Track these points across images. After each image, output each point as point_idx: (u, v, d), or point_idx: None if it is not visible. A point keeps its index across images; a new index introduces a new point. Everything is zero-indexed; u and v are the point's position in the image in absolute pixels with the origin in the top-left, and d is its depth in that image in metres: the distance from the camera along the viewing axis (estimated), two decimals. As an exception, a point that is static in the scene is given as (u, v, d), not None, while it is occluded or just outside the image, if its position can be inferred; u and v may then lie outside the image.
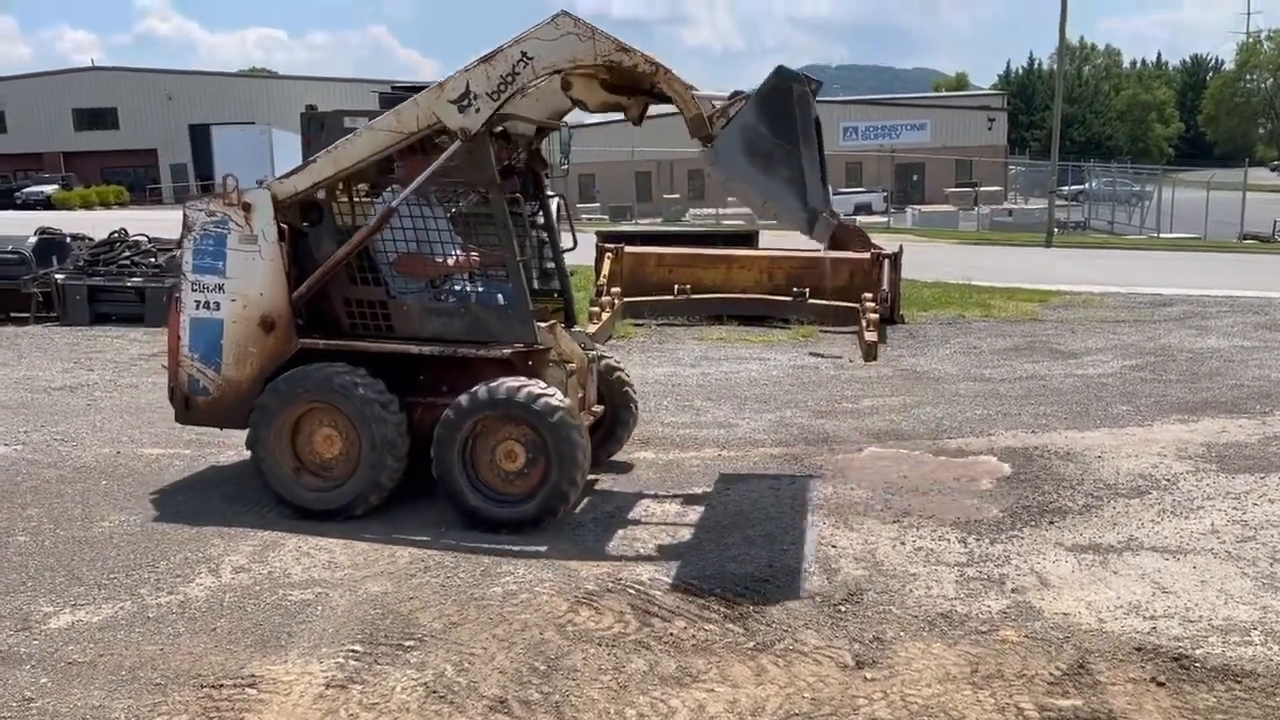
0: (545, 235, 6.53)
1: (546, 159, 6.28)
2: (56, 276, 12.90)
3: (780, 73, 4.81)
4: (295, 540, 5.23)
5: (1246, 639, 4.09)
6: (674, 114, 5.10)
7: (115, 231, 14.53)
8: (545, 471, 5.25)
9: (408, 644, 4.09)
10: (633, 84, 5.29)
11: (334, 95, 51.95)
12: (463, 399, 5.27)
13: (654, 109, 5.50)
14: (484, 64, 5.11)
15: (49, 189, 47.27)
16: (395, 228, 5.46)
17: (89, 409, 8.31)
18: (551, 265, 6.57)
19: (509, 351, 5.38)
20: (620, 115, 5.63)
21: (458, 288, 5.74)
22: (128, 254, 13.62)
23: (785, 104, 4.78)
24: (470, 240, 5.74)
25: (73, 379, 9.53)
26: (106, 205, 46.27)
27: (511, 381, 5.25)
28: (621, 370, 6.55)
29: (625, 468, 6.52)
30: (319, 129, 12.32)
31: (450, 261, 5.64)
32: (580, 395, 5.90)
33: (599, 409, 6.28)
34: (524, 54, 5.05)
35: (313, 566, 4.90)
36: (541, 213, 6.13)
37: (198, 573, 4.84)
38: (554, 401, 5.20)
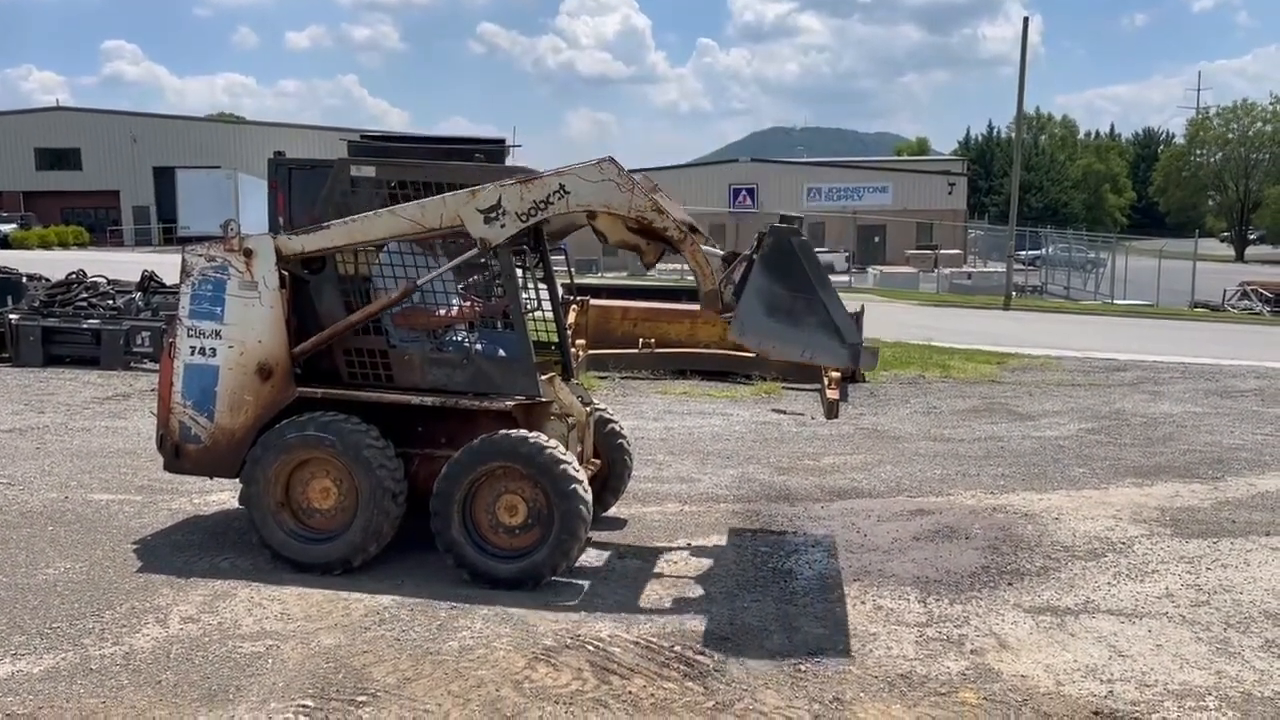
0: (545, 287, 6.52)
1: None
2: (10, 317, 12.68)
3: (776, 231, 5.01)
4: (248, 590, 5.12)
5: (1202, 704, 4.11)
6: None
7: (73, 273, 14.37)
8: (544, 534, 5.16)
9: (360, 699, 4.00)
10: (655, 234, 5.37)
11: (302, 142, 52.03)
12: (478, 442, 5.15)
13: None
14: (521, 185, 5.19)
15: (7, 228, 46.50)
16: (398, 278, 5.41)
17: (38, 452, 8.13)
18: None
19: (511, 404, 5.33)
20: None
21: (460, 339, 5.68)
22: (85, 295, 13.45)
23: (790, 256, 4.98)
24: (474, 292, 5.68)
25: (22, 421, 9.32)
26: (65, 246, 45.64)
27: (535, 438, 5.15)
28: (616, 423, 6.48)
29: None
30: (286, 176, 12.24)
31: (453, 313, 5.60)
32: (579, 449, 5.85)
33: (596, 462, 6.20)
34: (562, 186, 5.18)
35: (265, 617, 4.80)
36: (541, 265, 6.13)
37: (144, 623, 4.71)
38: (572, 471, 5.13)
